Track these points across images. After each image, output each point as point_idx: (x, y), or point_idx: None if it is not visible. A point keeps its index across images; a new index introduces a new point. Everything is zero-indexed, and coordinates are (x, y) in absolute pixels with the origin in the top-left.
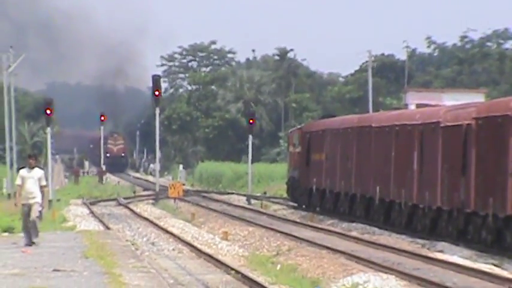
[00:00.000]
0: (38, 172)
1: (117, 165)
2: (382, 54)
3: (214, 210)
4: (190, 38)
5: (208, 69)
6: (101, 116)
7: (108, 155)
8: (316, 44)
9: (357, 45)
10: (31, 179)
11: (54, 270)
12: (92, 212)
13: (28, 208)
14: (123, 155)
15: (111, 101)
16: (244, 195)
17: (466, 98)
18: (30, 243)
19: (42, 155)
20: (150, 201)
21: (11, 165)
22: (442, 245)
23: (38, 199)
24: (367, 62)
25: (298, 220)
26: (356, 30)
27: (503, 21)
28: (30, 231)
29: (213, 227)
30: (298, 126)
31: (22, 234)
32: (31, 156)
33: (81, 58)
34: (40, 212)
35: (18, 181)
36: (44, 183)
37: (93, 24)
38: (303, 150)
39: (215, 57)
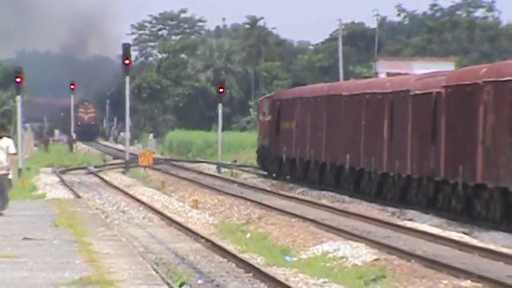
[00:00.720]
0: (6, 141)
1: (87, 133)
2: (352, 23)
3: (185, 179)
4: (160, 7)
5: (178, 37)
6: (71, 84)
7: (79, 123)
8: (286, 12)
9: (327, 14)
10: (0, 149)
11: (24, 238)
12: (62, 181)
13: None
14: (93, 123)
15: (81, 69)
16: (215, 163)
17: (436, 67)
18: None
19: (12, 123)
20: (120, 169)
21: None
22: (412, 213)
23: (6, 169)
24: (337, 30)
25: (268, 189)
26: None
27: None
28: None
29: (183, 195)
30: (268, 95)
31: None
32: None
33: (49, 26)
34: (10, 180)
35: None
36: (12, 151)
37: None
38: (273, 118)
39: (185, 25)
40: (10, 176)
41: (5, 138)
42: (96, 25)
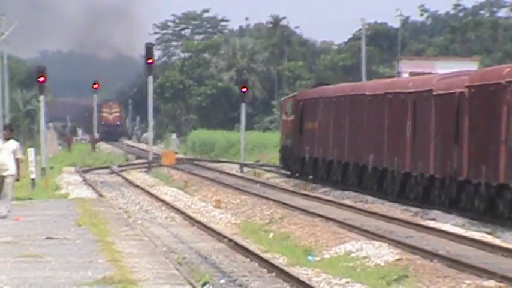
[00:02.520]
0: (13, 144)
1: (112, 133)
2: (375, 23)
3: (207, 178)
4: (183, 6)
5: (201, 37)
6: (94, 84)
7: (103, 123)
8: (309, 12)
9: (350, 13)
10: (5, 151)
11: (47, 238)
12: (84, 180)
13: (1, 180)
14: (118, 123)
15: (104, 69)
16: (237, 163)
17: (459, 66)
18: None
19: (35, 122)
20: (143, 169)
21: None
22: (434, 213)
23: (12, 171)
24: (360, 30)
25: (291, 188)
26: None
27: None
28: (2, 203)
29: (206, 195)
30: (291, 95)
31: None
32: (6, 128)
33: (73, 26)
34: (12, 185)
35: None
36: (19, 155)
37: None
38: (296, 118)
39: (208, 25)
40: (14, 180)
41: (11, 141)
42: (120, 25)
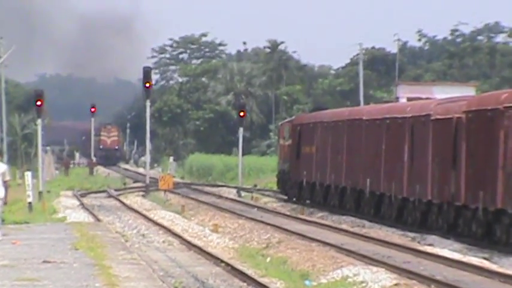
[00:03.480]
0: (1, 167)
1: (110, 158)
2: (373, 48)
3: (205, 203)
4: (181, 30)
5: (199, 61)
6: (92, 107)
7: (101, 147)
8: (307, 37)
9: (348, 38)
10: None
11: (44, 261)
12: (82, 204)
13: None
14: (116, 147)
15: (102, 92)
16: (235, 187)
17: (457, 92)
18: None
19: (33, 146)
20: (141, 193)
21: (1, 156)
22: (432, 238)
23: (1, 194)
24: (358, 54)
25: (288, 213)
26: (347, 23)
27: (494, 15)
28: None
29: (203, 219)
30: (289, 119)
31: None
32: None
33: (71, 49)
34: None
35: None
36: (7, 178)
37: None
38: (293, 143)
39: (206, 49)
40: (3, 204)
41: (0, 164)
42: (117, 50)
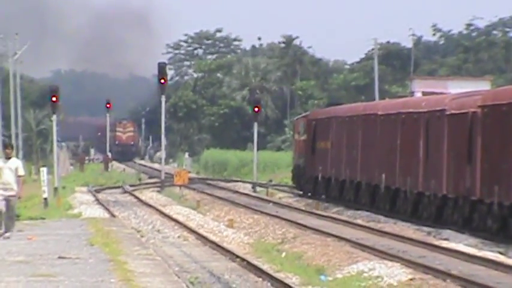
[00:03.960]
0: (15, 162)
1: (125, 153)
2: (388, 42)
3: (220, 198)
4: (195, 26)
5: (214, 56)
6: (107, 103)
7: (117, 142)
8: (322, 32)
9: (362, 33)
10: (8, 170)
11: (60, 257)
12: (97, 199)
13: (5, 200)
14: (132, 143)
15: (117, 88)
16: (250, 182)
17: (472, 86)
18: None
19: (48, 142)
20: (156, 188)
21: (17, 152)
22: (447, 233)
23: (15, 191)
24: (373, 49)
25: (303, 208)
26: (362, 18)
27: (509, 9)
28: (5, 223)
29: (219, 214)
30: (304, 114)
31: None
32: (7, 146)
33: (85, 45)
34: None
35: None
36: (21, 173)
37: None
38: (308, 138)
39: (221, 44)
40: (15, 199)
41: (13, 159)
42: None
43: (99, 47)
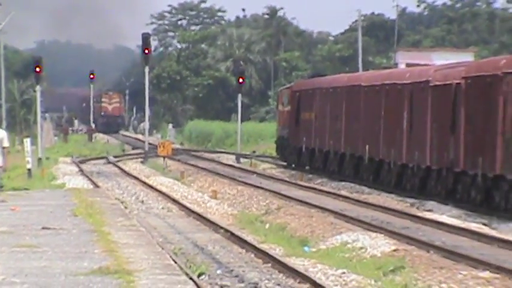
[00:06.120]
0: (0, 133)
1: (111, 125)
2: (372, 13)
3: (204, 169)
4: None
5: (198, 27)
6: (90, 74)
7: (102, 113)
8: (305, 3)
9: (346, 4)
10: None
11: (43, 228)
12: (81, 170)
13: None
14: (118, 114)
15: (100, 59)
16: (234, 154)
17: (456, 58)
18: None
19: (31, 113)
20: (139, 159)
21: (0, 123)
22: (431, 204)
23: (0, 161)
24: (356, 21)
25: (287, 179)
26: None
27: None
28: None
29: (202, 185)
30: (288, 85)
31: None
32: None
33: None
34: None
35: None
36: (6, 144)
37: None
38: (292, 109)
39: (205, 15)
40: (2, 171)
41: None
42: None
43: (82, 16)
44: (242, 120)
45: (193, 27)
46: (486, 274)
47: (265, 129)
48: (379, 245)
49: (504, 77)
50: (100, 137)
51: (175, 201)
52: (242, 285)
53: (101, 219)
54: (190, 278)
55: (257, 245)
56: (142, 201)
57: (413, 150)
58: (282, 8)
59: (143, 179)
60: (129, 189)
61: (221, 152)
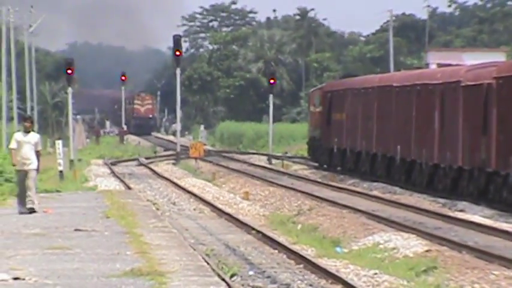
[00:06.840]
0: (34, 136)
1: (144, 127)
2: (403, 14)
3: (235, 170)
4: None
5: (229, 29)
6: (122, 75)
7: (135, 115)
8: (336, 4)
9: (377, 5)
10: (27, 144)
11: (76, 230)
12: (113, 172)
13: (24, 175)
14: (150, 116)
15: (132, 61)
16: (265, 155)
17: (487, 57)
18: (25, 211)
19: (63, 115)
20: (171, 161)
21: (33, 125)
22: (463, 204)
23: (34, 165)
24: (388, 21)
25: (319, 180)
26: None
27: None
28: (27, 198)
29: (234, 187)
30: (319, 86)
31: (16, 202)
32: (27, 119)
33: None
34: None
35: (13, 145)
36: (39, 148)
37: None
38: (324, 110)
39: (236, 17)
40: (33, 174)
41: (32, 133)
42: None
43: (112, 17)
44: (273, 121)
45: (224, 29)
46: None
47: (297, 130)
48: (412, 245)
49: None
50: (131, 138)
51: (207, 202)
52: (274, 286)
53: (133, 221)
54: (223, 279)
55: (289, 246)
56: (174, 203)
57: (445, 151)
58: (312, 9)
59: (175, 180)
60: (161, 190)
61: (253, 153)
